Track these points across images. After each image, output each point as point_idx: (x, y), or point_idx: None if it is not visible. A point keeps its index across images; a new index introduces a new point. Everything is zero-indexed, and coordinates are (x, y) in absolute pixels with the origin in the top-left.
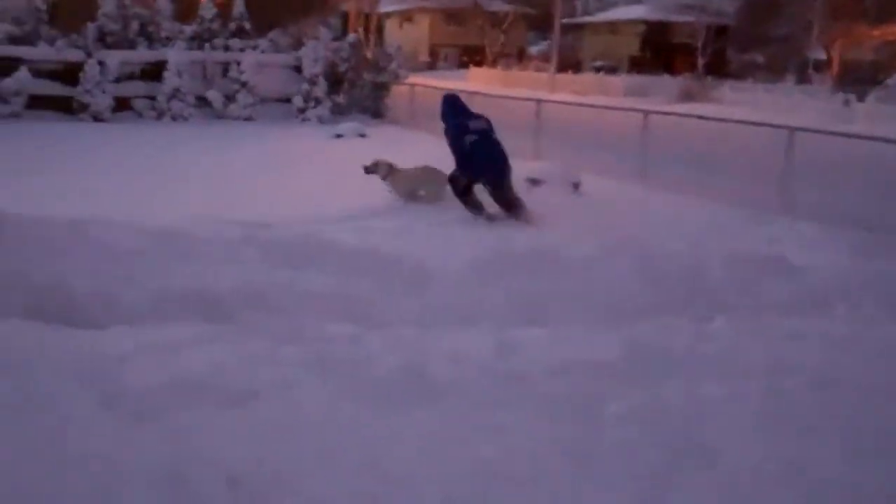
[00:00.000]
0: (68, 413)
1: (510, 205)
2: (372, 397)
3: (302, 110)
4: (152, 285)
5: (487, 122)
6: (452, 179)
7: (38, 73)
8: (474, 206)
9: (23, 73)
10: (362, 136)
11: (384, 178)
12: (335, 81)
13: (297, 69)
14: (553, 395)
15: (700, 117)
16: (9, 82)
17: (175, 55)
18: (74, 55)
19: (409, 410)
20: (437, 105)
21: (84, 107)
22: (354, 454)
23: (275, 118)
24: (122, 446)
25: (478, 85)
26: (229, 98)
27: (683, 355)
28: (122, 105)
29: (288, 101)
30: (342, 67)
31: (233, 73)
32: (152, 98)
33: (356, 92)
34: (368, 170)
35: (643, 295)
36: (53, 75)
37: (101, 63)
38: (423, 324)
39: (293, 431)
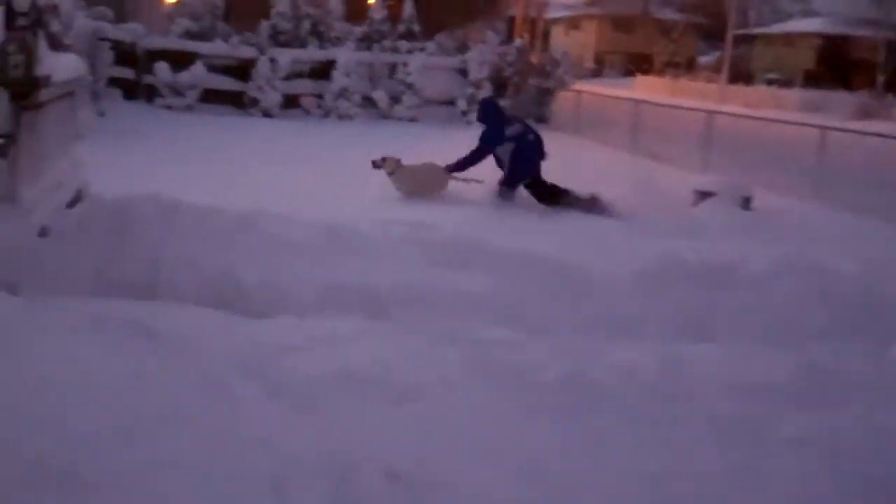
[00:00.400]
0: (239, 399)
1: (558, 197)
2: (534, 404)
3: (465, 113)
4: (317, 278)
5: (524, 125)
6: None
7: (212, 68)
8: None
9: (198, 68)
10: None
11: (390, 175)
12: (500, 86)
13: (463, 72)
14: (722, 414)
15: (879, 135)
16: (185, 76)
17: (344, 55)
18: (248, 52)
19: (572, 420)
20: (603, 113)
21: (254, 102)
22: (515, 459)
23: (438, 120)
24: (288, 435)
25: (645, 93)
26: (394, 99)
27: (861, 381)
28: (290, 102)
29: (452, 103)
30: (508, 72)
31: (399, 74)
32: (319, 96)
33: (521, 97)
34: (375, 164)
35: (818, 315)
36: (227, 71)
37: (272, 60)
38: (586, 333)
39: (455, 432)
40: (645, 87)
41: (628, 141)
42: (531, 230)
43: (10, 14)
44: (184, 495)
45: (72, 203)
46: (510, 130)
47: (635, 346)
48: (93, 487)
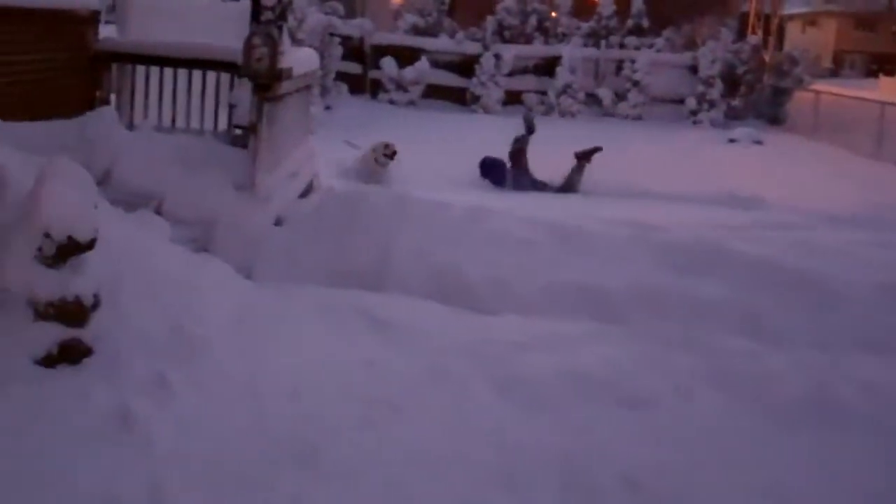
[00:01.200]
0: (469, 392)
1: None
2: (776, 418)
3: (694, 112)
4: (543, 277)
5: None
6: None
7: (436, 64)
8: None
9: (422, 63)
10: (758, 142)
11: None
12: (732, 84)
13: (692, 69)
14: None
15: None
16: (409, 71)
17: (570, 51)
18: (472, 48)
19: (817, 436)
20: (844, 116)
21: (476, 98)
22: (759, 475)
23: (663, 119)
24: (518, 430)
25: (891, 96)
26: (619, 96)
27: None
28: (512, 98)
29: (679, 102)
30: (740, 70)
31: (626, 71)
32: (542, 93)
33: (754, 96)
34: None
35: None
36: (450, 66)
37: (496, 56)
38: (827, 346)
39: (694, 443)
40: (891, 89)
41: (872, 146)
42: (770, 238)
43: (257, 8)
44: (416, 483)
45: (304, 193)
46: None
47: (881, 361)
48: (328, 470)
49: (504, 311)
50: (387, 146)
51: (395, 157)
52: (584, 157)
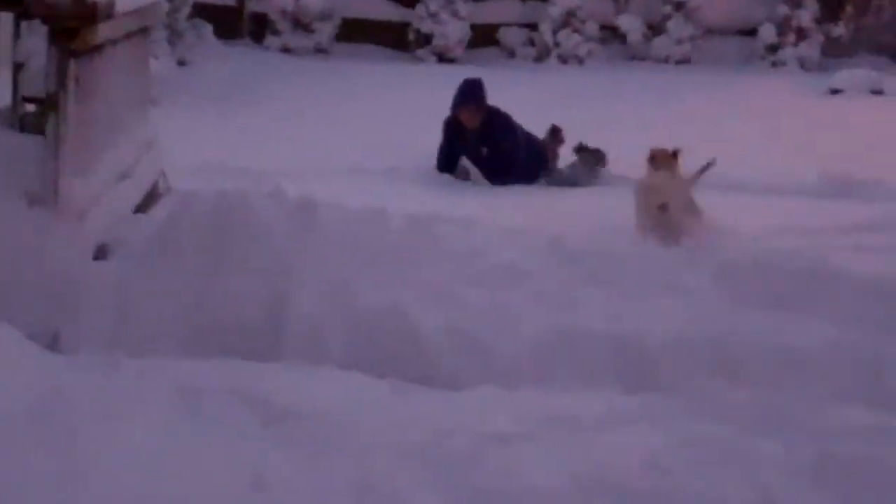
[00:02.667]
0: None
1: None
2: None
3: (773, 48)
4: (538, 323)
5: None
6: None
7: None
8: None
9: None
10: (877, 92)
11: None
12: (831, 2)
13: None
14: None
15: None
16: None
17: None
18: None
19: None
20: None
21: (424, 39)
22: None
23: (725, 61)
24: None
25: None
26: (654, 28)
27: None
28: (483, 37)
29: (750, 33)
30: None
31: None
32: (531, 27)
33: (868, 20)
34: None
35: None
36: None
37: None
38: None
39: None
40: None
41: None
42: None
43: None
44: None
45: (144, 204)
46: None
47: None
48: None
49: (475, 383)
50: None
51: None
52: (590, 153)
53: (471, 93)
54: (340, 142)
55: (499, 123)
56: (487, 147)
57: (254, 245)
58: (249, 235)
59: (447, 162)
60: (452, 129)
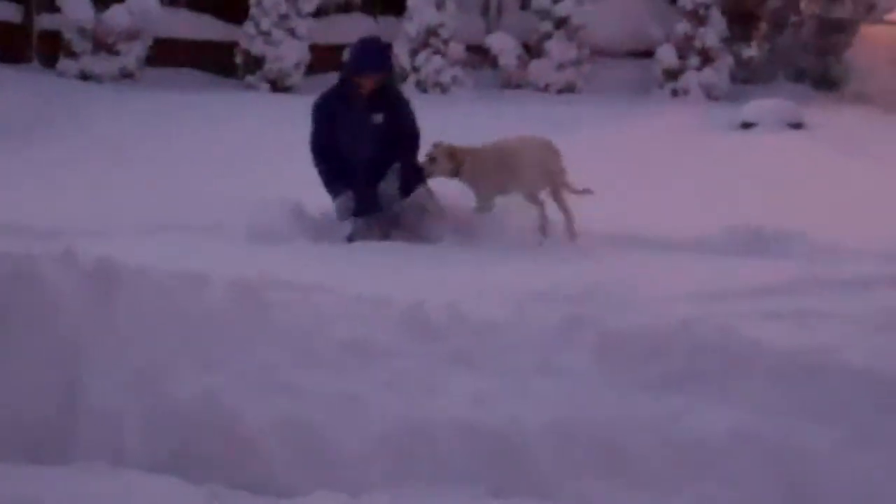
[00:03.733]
0: None
1: None
2: None
3: (673, 74)
4: (390, 414)
5: None
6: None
7: None
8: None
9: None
10: (796, 126)
11: (453, 176)
12: (741, 17)
13: None
14: None
15: None
16: (118, 15)
17: None
18: None
19: None
20: None
21: (254, 63)
22: None
23: (618, 90)
24: None
25: None
26: (531, 49)
27: None
28: (325, 60)
29: (646, 55)
30: None
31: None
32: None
33: (785, 39)
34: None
35: None
36: (199, 2)
37: None
38: None
39: None
40: None
41: None
42: (824, 311)
43: None
44: None
45: None
46: None
47: None
48: None
49: (313, 488)
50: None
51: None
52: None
53: (385, 57)
54: (151, 190)
55: (394, 90)
56: (384, 115)
57: (38, 322)
58: (32, 310)
59: (327, 143)
60: (340, 96)
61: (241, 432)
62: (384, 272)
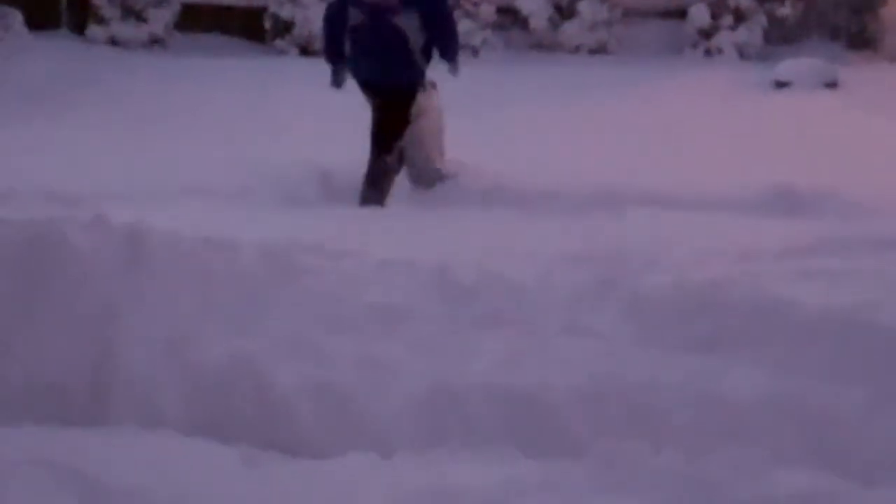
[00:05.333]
0: None
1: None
2: None
3: (706, 34)
4: (419, 379)
5: None
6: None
7: None
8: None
9: None
10: (831, 85)
11: None
12: None
13: None
14: None
15: None
16: None
17: None
18: None
19: None
20: None
21: (283, 27)
22: None
23: (651, 50)
24: None
25: None
26: (562, 10)
27: None
28: None
29: (679, 14)
30: None
31: None
32: None
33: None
34: None
35: None
36: None
37: None
38: None
39: None
40: None
41: None
42: (851, 273)
43: None
44: None
45: None
46: None
47: None
48: None
49: (344, 450)
50: None
51: None
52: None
53: None
54: (180, 155)
55: None
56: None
57: (70, 287)
58: (65, 275)
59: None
60: None
61: (273, 395)
62: (412, 234)
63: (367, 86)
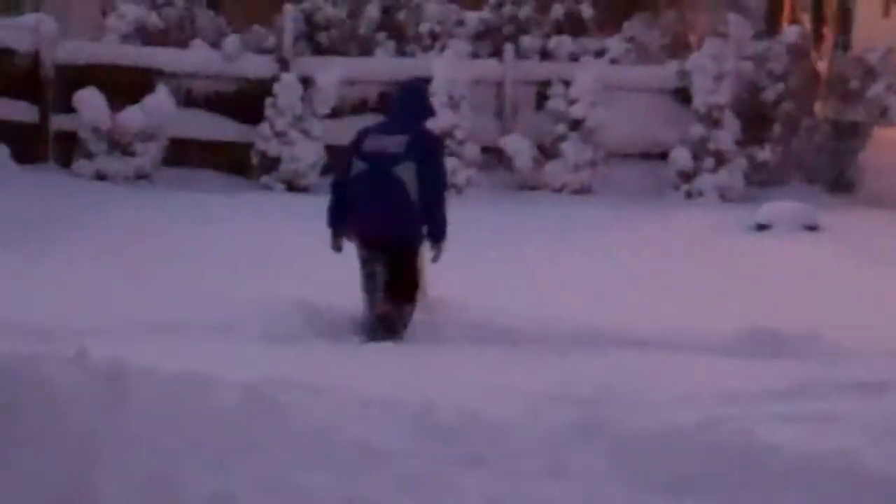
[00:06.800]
0: None
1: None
2: None
3: (688, 176)
4: None
5: (410, 138)
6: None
7: (188, 99)
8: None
9: (161, 98)
10: (810, 228)
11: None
12: (755, 120)
13: (680, 95)
14: None
15: None
16: (133, 116)
17: (446, 67)
18: (258, 66)
19: None
20: None
21: (270, 164)
22: None
23: (632, 190)
24: None
25: None
26: (545, 151)
27: None
28: (337, 161)
29: (661, 157)
30: (770, 93)
31: (555, 101)
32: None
33: (799, 142)
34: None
35: None
36: (217, 102)
37: (304, 81)
38: None
39: None
40: None
41: None
42: (843, 416)
43: None
44: None
45: None
46: (373, 143)
47: None
48: None
49: None
50: None
51: None
52: None
53: (428, 105)
54: (163, 289)
55: (429, 136)
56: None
57: (47, 424)
58: (42, 412)
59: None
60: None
61: None
62: (396, 372)
63: (370, 243)
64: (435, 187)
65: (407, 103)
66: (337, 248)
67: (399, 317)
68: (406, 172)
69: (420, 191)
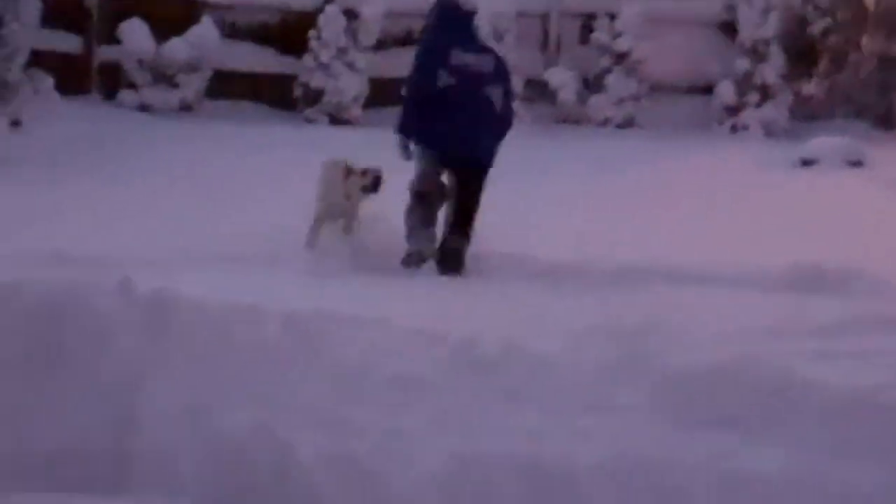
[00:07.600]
0: None
1: (461, 228)
2: None
3: (733, 110)
4: (438, 450)
5: (495, 60)
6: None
7: (232, 31)
8: (417, 237)
9: (205, 30)
10: (856, 164)
11: None
12: (801, 54)
13: (726, 28)
14: None
15: None
16: (177, 47)
17: (491, 0)
18: None
19: None
20: None
21: (313, 96)
22: None
23: (677, 125)
24: None
25: None
26: (590, 84)
27: None
28: (384, 94)
29: (706, 91)
30: (816, 27)
31: (600, 34)
32: None
33: (846, 76)
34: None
35: None
36: (260, 35)
37: (348, 14)
38: None
39: None
40: None
41: None
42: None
43: None
44: None
45: None
46: (460, 58)
47: None
48: None
49: None
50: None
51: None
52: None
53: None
54: (208, 222)
55: (505, 61)
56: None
57: (93, 353)
58: (88, 340)
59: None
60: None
61: (294, 466)
62: (439, 306)
63: (450, 157)
64: (511, 112)
65: (471, 24)
66: (408, 157)
67: (465, 247)
68: (495, 93)
69: (501, 113)
